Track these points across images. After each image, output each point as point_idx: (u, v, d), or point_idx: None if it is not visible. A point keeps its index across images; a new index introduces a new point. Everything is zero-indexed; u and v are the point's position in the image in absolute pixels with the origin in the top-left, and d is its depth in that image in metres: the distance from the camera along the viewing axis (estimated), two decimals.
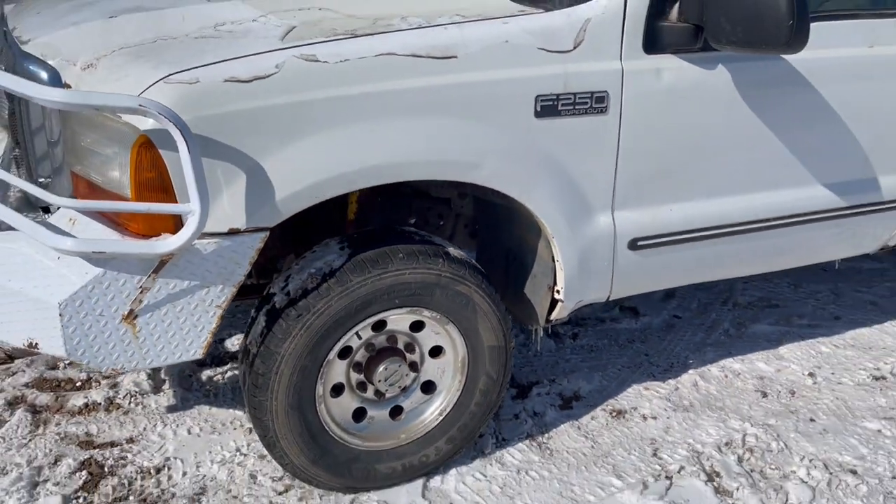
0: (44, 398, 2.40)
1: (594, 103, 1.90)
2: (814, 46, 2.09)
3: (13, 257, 1.73)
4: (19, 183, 1.67)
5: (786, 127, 2.18)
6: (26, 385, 2.46)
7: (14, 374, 2.52)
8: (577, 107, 1.88)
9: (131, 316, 1.67)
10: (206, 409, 2.41)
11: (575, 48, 1.86)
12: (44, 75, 1.70)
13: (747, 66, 2.03)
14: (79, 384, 2.49)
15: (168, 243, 1.58)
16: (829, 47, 2.17)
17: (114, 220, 1.68)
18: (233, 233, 1.66)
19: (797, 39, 1.76)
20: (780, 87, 2.13)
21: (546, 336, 2.91)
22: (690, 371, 2.74)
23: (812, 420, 2.51)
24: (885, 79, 2.29)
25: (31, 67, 1.73)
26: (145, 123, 1.54)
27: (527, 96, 1.82)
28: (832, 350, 2.94)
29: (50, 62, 1.72)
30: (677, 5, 1.91)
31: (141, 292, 1.65)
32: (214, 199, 1.60)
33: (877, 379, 2.76)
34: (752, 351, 2.89)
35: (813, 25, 2.09)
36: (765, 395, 2.63)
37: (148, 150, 1.57)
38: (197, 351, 1.76)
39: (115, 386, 2.47)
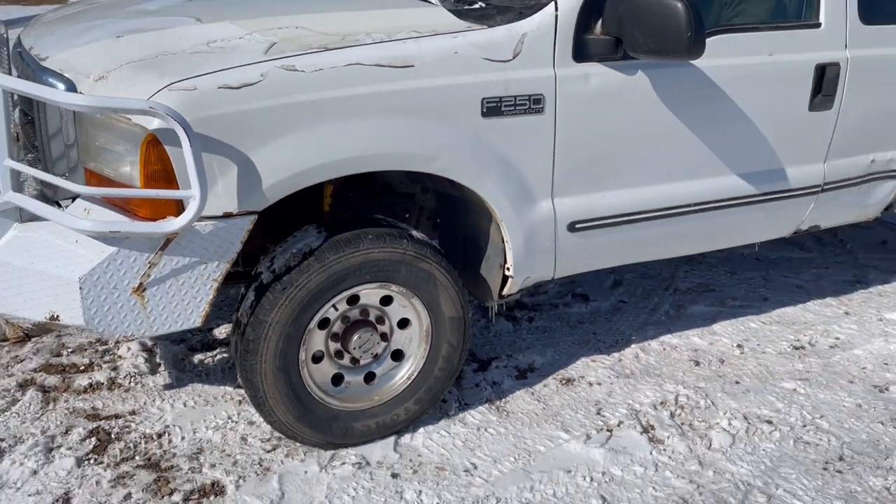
0: (51, 380, 2.66)
1: (532, 104, 2.24)
2: (721, 55, 2.49)
3: (35, 243, 2.02)
4: (49, 178, 1.96)
5: (701, 124, 2.54)
6: (34, 370, 2.72)
7: (22, 361, 2.78)
8: (517, 108, 2.22)
9: (140, 288, 1.96)
10: (199, 386, 2.69)
11: (514, 58, 2.20)
12: (61, 86, 2.00)
13: (662, 72, 2.39)
14: (82, 368, 2.75)
15: (173, 223, 1.88)
16: (735, 55, 2.54)
17: (123, 208, 1.98)
18: (227, 216, 1.96)
19: (695, 48, 2.12)
20: (692, 90, 2.48)
21: (505, 319, 3.24)
22: (633, 346, 3.07)
23: (737, 382, 2.85)
24: (783, 82, 2.66)
25: (50, 80, 2.02)
26: (152, 124, 1.84)
27: (474, 99, 2.16)
28: (759, 326, 3.29)
29: (67, 75, 2.02)
30: (600, 21, 2.26)
31: (149, 267, 1.94)
32: (211, 187, 1.90)
33: (796, 348, 3.11)
34: (689, 328, 3.24)
35: (720, 37, 2.49)
36: (697, 363, 2.97)
37: (155, 146, 1.87)
38: (196, 319, 2.06)
39: (115, 368, 2.74)
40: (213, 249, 1.99)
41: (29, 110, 2.21)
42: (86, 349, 2.87)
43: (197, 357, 2.88)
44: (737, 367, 2.95)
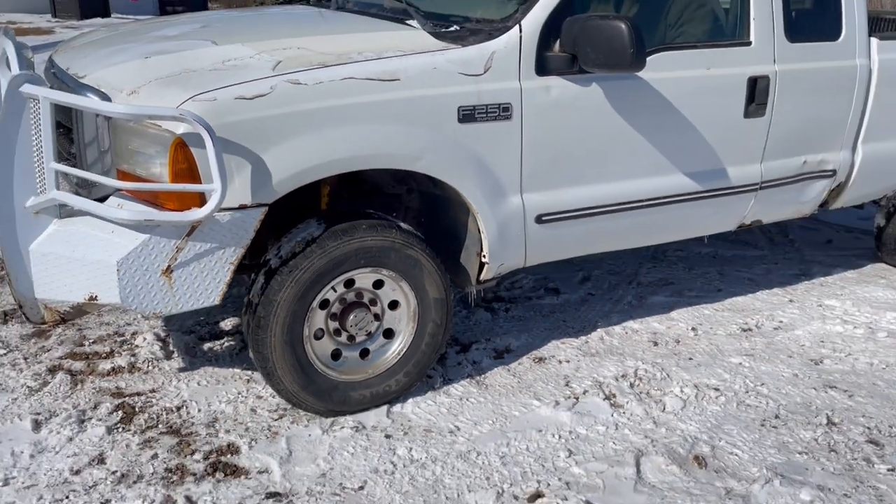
0: (77, 365, 2.97)
1: (501, 112, 2.61)
2: (665, 69, 2.88)
3: (74, 235, 2.35)
4: (92, 176, 2.29)
5: (649, 129, 2.92)
6: (60, 358, 3.03)
7: (48, 350, 3.08)
8: (488, 115, 2.59)
9: (168, 270, 2.30)
10: (210, 369, 3.00)
11: (485, 72, 2.57)
12: (98, 100, 2.34)
13: (613, 84, 2.77)
14: (104, 355, 3.06)
15: (198, 213, 2.21)
16: (677, 69, 2.93)
17: (151, 202, 2.31)
18: (242, 207, 2.30)
19: (637, 62, 2.50)
20: (640, 99, 2.86)
21: (484, 310, 3.58)
22: (598, 330, 3.43)
23: (690, 359, 3.20)
24: (720, 92, 3.05)
25: (89, 95, 2.36)
26: (180, 129, 2.19)
27: (451, 107, 2.52)
28: (712, 312, 3.66)
29: (103, 90, 2.36)
30: (558, 40, 2.64)
31: (177, 251, 2.28)
32: (228, 182, 2.24)
33: (744, 331, 3.48)
34: (649, 315, 3.60)
35: (664, 54, 2.89)
36: (655, 344, 3.33)
37: (182, 148, 2.21)
38: (215, 298, 2.39)
39: (134, 355, 3.05)
40: (230, 236, 2.33)
41: (66, 122, 2.54)
42: (105, 340, 3.18)
43: (206, 345, 3.19)
44: (690, 346, 3.31)
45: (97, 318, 3.35)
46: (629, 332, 3.43)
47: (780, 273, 4.17)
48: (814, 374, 3.11)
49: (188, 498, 2.27)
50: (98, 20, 18.93)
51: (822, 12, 3.34)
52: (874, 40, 3.44)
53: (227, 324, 3.39)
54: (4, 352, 3.05)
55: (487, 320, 3.51)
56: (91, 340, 3.17)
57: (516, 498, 2.32)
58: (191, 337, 3.24)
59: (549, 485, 2.38)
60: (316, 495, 2.31)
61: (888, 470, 2.52)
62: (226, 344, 3.21)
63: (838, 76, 3.35)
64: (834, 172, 3.54)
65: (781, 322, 3.57)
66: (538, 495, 2.33)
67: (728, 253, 4.45)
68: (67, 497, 2.25)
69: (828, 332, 3.47)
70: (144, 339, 3.16)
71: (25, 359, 3.00)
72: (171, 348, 3.14)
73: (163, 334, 3.22)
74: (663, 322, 3.54)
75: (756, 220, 3.47)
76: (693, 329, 3.47)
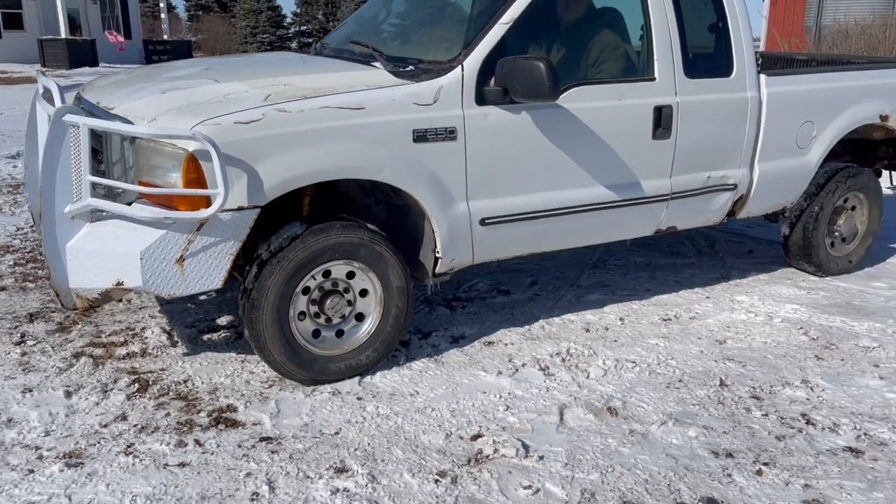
0: (97, 352, 3.52)
1: (448, 134, 3.25)
2: (584, 100, 3.55)
3: (104, 233, 2.94)
4: (123, 185, 2.88)
5: (572, 149, 3.57)
6: (82, 346, 3.58)
7: (71, 341, 3.63)
8: (437, 136, 3.23)
9: (181, 259, 2.88)
10: (210, 353, 3.56)
11: (435, 102, 3.21)
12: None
13: (539, 112, 3.42)
14: (119, 344, 3.61)
15: (205, 212, 2.81)
16: (594, 101, 3.59)
17: (166, 206, 2.90)
18: (240, 208, 2.90)
19: (553, 93, 3.17)
20: (563, 125, 3.51)
21: (444, 307, 4.18)
22: (540, 321, 4.03)
23: (615, 341, 3.81)
24: (631, 119, 3.71)
25: (119, 122, 2.97)
26: (191, 146, 2.80)
27: (407, 130, 3.16)
28: (639, 306, 4.28)
29: (129, 118, 2.97)
30: (493, 77, 3.30)
31: (188, 244, 2.87)
32: (229, 188, 2.84)
33: (664, 320, 4.10)
34: (585, 310, 4.21)
35: (583, 87, 3.55)
36: (587, 330, 3.93)
37: (192, 161, 2.81)
38: (218, 283, 2.97)
39: (144, 343, 3.61)
40: (230, 232, 2.92)
41: (95, 146, 3.13)
42: (119, 333, 3.74)
43: (206, 336, 3.76)
44: (616, 332, 3.92)
45: (111, 317, 3.91)
46: (566, 322, 4.04)
47: (703, 276, 4.81)
48: (717, 350, 3.73)
49: (197, 441, 2.82)
50: (87, 69, 19.64)
51: (715, 54, 4.03)
52: (763, 76, 4.14)
53: (223, 320, 3.95)
54: (34, 343, 3.60)
55: (447, 315, 4.10)
56: (107, 333, 3.73)
57: (461, 438, 2.90)
58: (192, 330, 3.80)
59: (488, 428, 2.96)
60: (300, 438, 2.87)
61: (762, 415, 3.12)
62: (222, 335, 3.78)
63: (732, 106, 4.04)
64: (735, 186, 4.20)
65: (697, 313, 4.19)
66: (479, 435, 2.91)
67: (661, 262, 5.09)
68: (99, 442, 2.80)
69: (734, 320, 4.10)
70: (152, 331, 3.72)
71: (52, 348, 3.55)
72: (175, 338, 3.70)
73: (168, 328, 3.79)
74: (596, 314, 4.15)
75: (671, 227, 4.12)
76: (621, 319, 4.09)
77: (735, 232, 5.82)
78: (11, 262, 4.73)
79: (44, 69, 20.35)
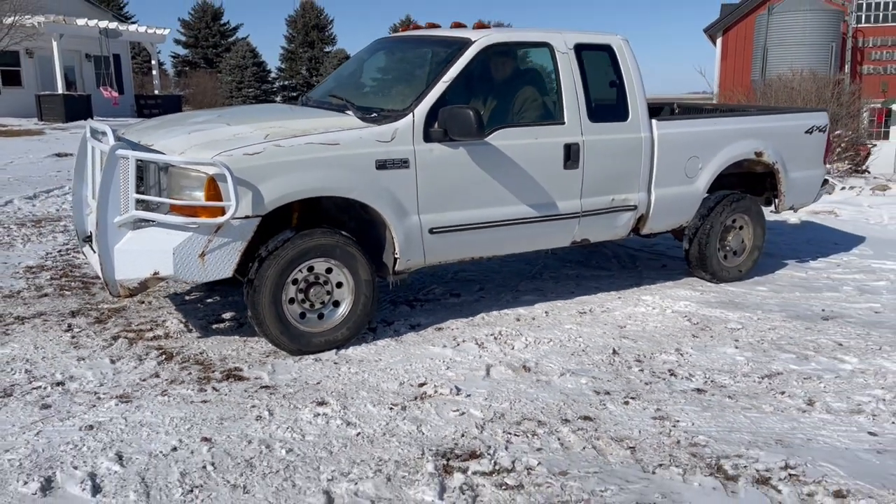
0: (130, 335, 4.50)
1: (402, 164, 4.32)
2: (508, 139, 4.64)
3: (144, 237, 3.96)
4: (164, 200, 3.91)
5: (499, 176, 4.64)
6: (118, 332, 4.55)
7: (108, 329, 4.60)
8: (394, 165, 4.30)
9: (202, 254, 3.90)
10: (219, 336, 4.55)
11: (392, 140, 4.30)
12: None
13: (473, 148, 4.51)
14: (146, 330, 4.59)
15: (221, 219, 3.85)
16: (516, 139, 4.69)
17: (192, 215, 3.93)
18: (246, 217, 3.94)
19: (480, 134, 4.28)
20: (492, 158, 4.60)
21: (406, 306, 5.20)
22: (482, 314, 5.05)
23: (539, 326, 4.83)
24: (546, 153, 4.80)
25: (157, 155, 4.02)
26: (211, 171, 3.84)
27: (371, 160, 4.22)
28: (563, 304, 5.32)
29: (164, 152, 4.02)
30: (436, 121, 4.39)
31: (208, 242, 3.89)
32: (239, 202, 3.88)
33: (580, 313, 5.14)
34: (519, 306, 5.24)
35: (507, 129, 4.65)
36: (518, 320, 4.96)
37: (212, 182, 3.85)
38: (228, 272, 3.99)
39: (167, 329, 4.59)
40: (239, 234, 3.95)
41: (139, 172, 4.16)
42: (146, 323, 4.72)
43: (214, 325, 4.75)
44: (541, 321, 4.95)
45: (137, 313, 4.90)
46: (502, 314, 5.07)
47: (620, 283, 5.87)
48: (616, 332, 4.77)
49: (214, 388, 3.80)
50: (82, 122, 20.73)
51: (615, 104, 5.17)
52: (654, 121, 5.28)
53: (227, 315, 4.94)
54: (79, 330, 4.57)
55: (407, 311, 5.13)
56: (136, 323, 4.71)
57: (411, 385, 3.89)
58: (203, 321, 4.80)
59: (431, 380, 3.95)
60: (290, 386, 3.85)
61: (639, 370, 4.15)
62: (227, 325, 4.77)
63: (629, 143, 5.16)
64: (636, 207, 5.30)
65: (607, 308, 5.24)
66: (424, 383, 3.90)
67: (587, 273, 6.16)
68: (140, 389, 3.77)
69: (635, 312, 5.15)
70: (172, 322, 4.70)
71: (94, 333, 4.52)
72: (190, 326, 4.69)
73: (184, 319, 4.78)
74: (527, 309, 5.18)
75: (585, 239, 5.19)
76: (546, 312, 5.12)
77: (654, 251, 6.92)
78: (48, 277, 5.72)
79: (40, 122, 21.41)
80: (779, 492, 2.95)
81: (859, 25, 19.68)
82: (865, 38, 19.75)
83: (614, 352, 4.42)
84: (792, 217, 8.77)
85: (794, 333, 4.77)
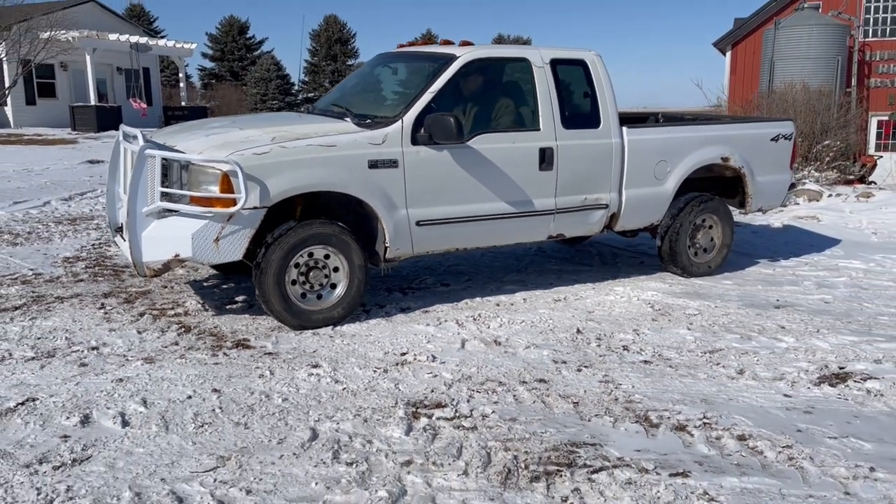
0: (154, 312, 5.15)
1: (391, 164, 4.93)
2: (488, 143, 5.25)
3: (168, 225, 4.61)
4: (186, 193, 4.56)
5: (480, 175, 5.24)
6: (144, 310, 5.20)
7: (135, 308, 5.26)
8: (385, 165, 4.91)
9: (217, 239, 4.54)
10: (231, 315, 5.18)
11: (383, 143, 4.92)
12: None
13: (455, 150, 5.11)
14: (169, 308, 5.24)
15: (232, 209, 4.48)
16: (495, 143, 5.29)
17: (209, 206, 4.57)
18: (255, 208, 4.57)
19: (460, 138, 4.88)
20: (473, 159, 5.20)
21: (399, 293, 5.80)
22: (466, 300, 5.63)
23: (515, 311, 5.41)
24: (523, 156, 5.39)
25: (180, 154, 4.68)
26: (225, 168, 4.49)
27: (364, 160, 4.85)
28: (541, 293, 5.88)
29: (185, 152, 4.68)
30: (422, 127, 5.00)
31: (221, 229, 4.53)
32: (248, 194, 4.51)
33: (556, 301, 5.70)
34: (501, 295, 5.81)
35: (486, 135, 5.26)
36: (498, 305, 5.54)
37: (226, 177, 4.50)
38: (239, 255, 4.63)
39: (186, 309, 5.23)
40: (248, 222, 4.59)
41: (164, 169, 4.82)
42: (168, 303, 5.37)
43: (227, 306, 5.38)
44: (518, 306, 5.52)
45: (160, 296, 5.55)
46: (485, 301, 5.65)
47: (598, 277, 6.43)
48: (584, 315, 5.33)
49: (224, 353, 4.43)
50: (113, 132, 21.70)
51: (588, 113, 5.75)
52: (624, 128, 5.85)
53: (239, 298, 5.58)
54: (111, 308, 5.23)
55: (400, 297, 5.73)
56: (159, 304, 5.36)
57: (394, 354, 4.48)
58: (217, 302, 5.44)
59: (412, 350, 4.54)
60: (290, 353, 4.47)
61: (597, 346, 4.71)
62: (238, 306, 5.40)
63: (600, 149, 5.73)
64: (608, 205, 5.87)
65: (580, 296, 5.80)
66: (405, 352, 4.50)
67: (569, 268, 6.73)
68: (162, 353, 4.40)
69: (606, 300, 5.71)
70: (190, 303, 5.35)
71: (124, 311, 5.18)
72: (206, 307, 5.33)
73: (201, 301, 5.42)
74: (507, 297, 5.76)
75: (560, 233, 5.77)
76: (524, 300, 5.70)
77: (637, 250, 7.46)
78: (83, 266, 6.41)
79: (74, 132, 22.40)
80: (691, 435, 3.50)
81: (866, 39, 20.03)
82: (873, 52, 20.09)
83: (578, 331, 4.98)
84: (776, 221, 9.27)
85: (744, 319, 5.30)
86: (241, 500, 2.88)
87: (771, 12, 20.88)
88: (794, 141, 6.87)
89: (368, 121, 5.09)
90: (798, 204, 10.61)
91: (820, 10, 19.99)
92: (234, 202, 4.52)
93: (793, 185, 7.12)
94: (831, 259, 7.33)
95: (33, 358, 4.27)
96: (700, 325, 5.17)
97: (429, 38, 6.13)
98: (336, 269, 4.97)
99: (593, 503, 2.91)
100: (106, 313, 5.11)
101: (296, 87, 48.63)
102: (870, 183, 14.62)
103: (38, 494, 2.86)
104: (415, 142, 5.02)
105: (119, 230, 5.19)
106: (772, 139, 6.68)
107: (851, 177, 15.11)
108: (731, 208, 6.75)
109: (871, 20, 20.22)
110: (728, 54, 21.74)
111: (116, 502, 2.84)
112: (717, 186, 6.77)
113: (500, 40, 51.66)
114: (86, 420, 3.50)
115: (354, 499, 2.90)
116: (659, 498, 2.94)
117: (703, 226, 6.49)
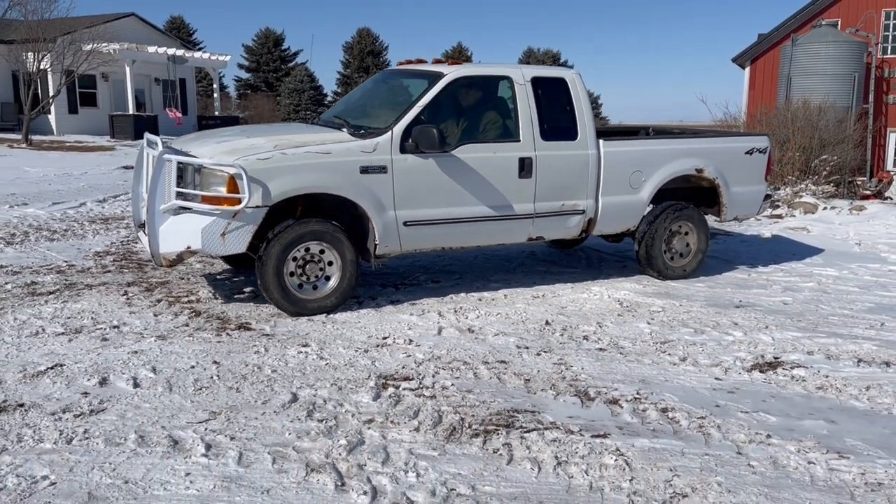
0: (170, 299, 5.79)
1: (381, 170, 5.52)
2: (471, 152, 5.83)
3: (182, 220, 5.25)
4: (199, 192, 5.20)
5: (463, 181, 5.80)
6: (161, 297, 5.85)
7: (154, 296, 5.91)
8: (375, 170, 5.50)
9: (224, 233, 5.17)
10: (237, 303, 5.80)
11: (373, 151, 5.51)
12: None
13: (440, 158, 5.68)
14: (183, 297, 5.88)
15: (237, 207, 5.11)
16: (478, 153, 5.85)
17: (217, 204, 5.20)
18: (257, 206, 5.19)
19: (443, 147, 5.46)
20: (456, 167, 5.76)
21: (392, 288, 6.37)
22: (451, 295, 6.18)
23: (495, 305, 5.94)
24: (503, 164, 5.93)
25: (194, 158, 5.32)
26: (232, 171, 5.11)
27: (356, 166, 5.44)
28: (522, 290, 6.41)
29: (198, 157, 5.32)
30: (410, 137, 5.58)
31: (227, 225, 5.16)
32: (251, 195, 5.13)
33: (534, 297, 6.22)
34: (485, 291, 6.35)
35: (470, 145, 5.84)
36: (480, 300, 6.08)
37: (232, 180, 5.13)
38: (242, 248, 5.25)
39: (198, 297, 5.87)
40: (251, 219, 5.21)
41: (180, 172, 5.46)
42: (184, 292, 6.01)
43: (236, 296, 6.01)
44: (498, 301, 6.06)
45: (177, 286, 6.20)
46: (469, 296, 6.19)
47: (579, 277, 6.93)
48: (556, 310, 5.84)
49: (227, 334, 5.04)
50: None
51: (567, 126, 6.28)
52: (601, 141, 6.37)
53: (246, 290, 6.21)
54: (132, 295, 5.89)
55: (392, 291, 6.30)
56: (175, 292, 6.01)
57: (377, 338, 5.05)
58: (227, 292, 6.06)
59: (393, 335, 5.11)
60: (285, 335, 5.06)
61: (560, 335, 5.22)
62: (245, 297, 6.03)
63: (578, 159, 6.26)
64: (584, 211, 6.38)
65: (558, 294, 6.31)
66: (387, 337, 5.06)
67: (555, 270, 7.24)
68: (174, 333, 5.03)
69: (579, 298, 6.21)
70: (202, 292, 5.99)
71: (143, 297, 5.83)
72: (216, 296, 5.96)
73: (212, 291, 6.05)
74: (490, 293, 6.29)
75: (539, 236, 6.30)
76: (505, 295, 6.23)
77: (623, 255, 7.95)
78: (112, 259, 7.11)
79: (112, 139, 23.43)
80: (621, 407, 4.00)
81: (885, 56, 20.21)
82: (892, 69, 20.25)
83: (547, 322, 5.51)
84: (766, 232, 9.67)
85: (703, 316, 5.77)
86: (225, 443, 3.47)
87: (789, 29, 21.16)
88: (768, 154, 7.31)
89: (362, 131, 5.69)
90: (794, 216, 10.97)
91: (838, 27, 20.23)
92: (238, 201, 5.14)
93: (768, 196, 7.55)
94: (808, 267, 7.73)
95: (63, 333, 4.93)
96: (661, 320, 5.65)
97: (420, 60, 6.72)
98: (330, 263, 5.57)
99: (520, 454, 3.44)
100: (128, 299, 5.77)
101: (328, 99, 49.73)
102: (886, 198, 14.86)
103: (61, 434, 3.48)
104: (403, 150, 5.60)
105: (141, 226, 5.85)
106: (746, 152, 7.14)
107: (868, 192, 15.37)
108: (711, 217, 7.22)
109: (890, 37, 20.38)
110: (747, 69, 22.04)
111: (124, 441, 3.44)
112: (696, 196, 7.23)
113: (529, 54, 52.28)
114: (103, 381, 4.13)
115: (319, 445, 3.47)
116: (576, 452, 3.46)
117: (679, 232, 6.97)
